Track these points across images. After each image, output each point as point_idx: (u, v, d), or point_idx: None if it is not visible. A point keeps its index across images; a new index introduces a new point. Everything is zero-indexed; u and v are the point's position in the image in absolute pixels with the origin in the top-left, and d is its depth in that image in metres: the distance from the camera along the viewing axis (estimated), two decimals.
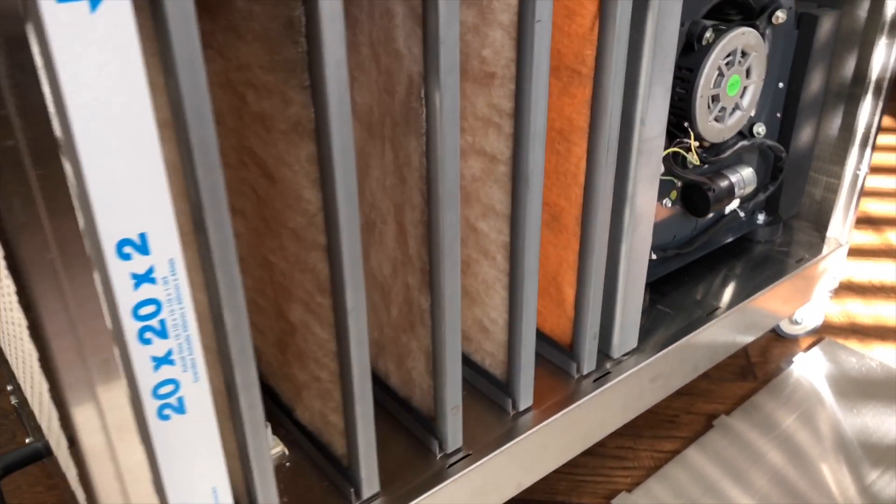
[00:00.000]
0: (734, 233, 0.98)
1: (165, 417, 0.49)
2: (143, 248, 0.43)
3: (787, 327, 1.07)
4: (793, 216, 1.04)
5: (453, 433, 0.67)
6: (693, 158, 0.84)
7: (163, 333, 0.46)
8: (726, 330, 0.88)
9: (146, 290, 0.44)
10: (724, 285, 0.92)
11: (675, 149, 0.83)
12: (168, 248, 0.44)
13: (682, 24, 0.78)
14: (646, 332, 0.83)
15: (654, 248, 0.87)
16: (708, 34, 0.79)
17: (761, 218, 1.00)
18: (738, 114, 0.88)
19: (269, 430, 0.68)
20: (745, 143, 0.90)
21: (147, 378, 0.47)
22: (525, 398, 0.72)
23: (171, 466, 0.50)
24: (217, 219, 0.44)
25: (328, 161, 0.49)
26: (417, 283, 0.62)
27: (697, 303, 0.88)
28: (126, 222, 0.42)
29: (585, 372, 0.77)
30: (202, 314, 0.49)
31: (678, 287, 0.91)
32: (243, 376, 0.51)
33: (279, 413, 0.71)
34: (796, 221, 1.04)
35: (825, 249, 0.99)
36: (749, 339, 0.93)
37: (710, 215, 0.93)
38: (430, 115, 0.54)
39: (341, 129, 0.48)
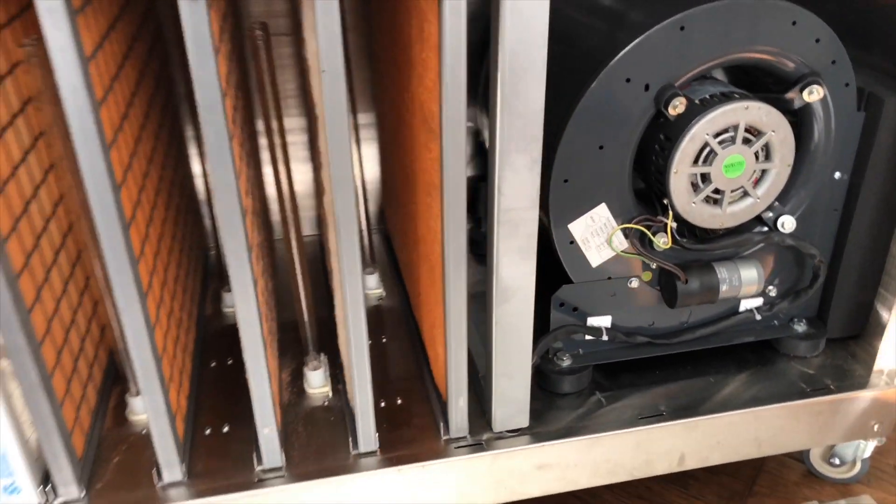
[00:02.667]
0: (754, 335, 0.83)
1: None
2: None
3: (819, 466, 0.88)
4: (849, 337, 0.84)
5: (269, 453, 0.69)
6: (660, 242, 0.73)
7: None
8: (665, 441, 0.75)
9: None
10: (692, 390, 0.79)
11: (635, 226, 0.73)
12: None
13: (646, 88, 0.68)
14: (562, 415, 0.76)
15: (615, 330, 0.78)
16: (676, 102, 0.68)
17: (800, 328, 0.83)
18: (747, 201, 0.74)
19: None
20: (752, 235, 0.76)
21: None
22: (365, 440, 0.71)
23: None
24: None
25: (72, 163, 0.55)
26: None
27: (643, 400, 0.77)
28: None
29: (453, 435, 0.73)
30: None
31: (640, 377, 0.80)
32: (10, 338, 0.59)
33: None
34: (859, 344, 0.84)
35: (869, 385, 0.79)
36: (711, 461, 0.78)
37: (714, 308, 0.81)
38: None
39: (86, 149, 0.54)
